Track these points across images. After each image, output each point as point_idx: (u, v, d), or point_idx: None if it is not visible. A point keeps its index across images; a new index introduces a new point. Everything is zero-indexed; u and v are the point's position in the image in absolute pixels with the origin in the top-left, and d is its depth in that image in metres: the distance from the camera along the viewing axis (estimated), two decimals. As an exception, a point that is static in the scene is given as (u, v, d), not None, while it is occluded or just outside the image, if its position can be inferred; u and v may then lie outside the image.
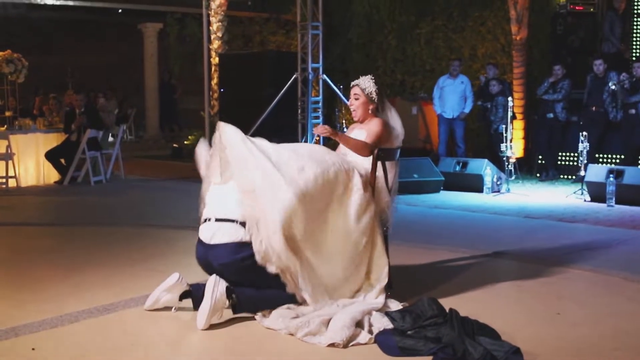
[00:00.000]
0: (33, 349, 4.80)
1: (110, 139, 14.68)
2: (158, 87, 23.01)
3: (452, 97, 14.17)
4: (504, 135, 12.52)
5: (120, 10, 22.84)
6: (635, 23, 14.00)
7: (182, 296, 5.54)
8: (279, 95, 14.44)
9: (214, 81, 17.78)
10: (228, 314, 5.31)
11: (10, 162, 12.89)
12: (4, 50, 14.16)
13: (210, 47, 17.89)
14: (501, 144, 12.56)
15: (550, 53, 14.83)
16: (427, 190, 12.03)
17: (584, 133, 11.75)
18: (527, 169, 13.78)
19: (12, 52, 14.10)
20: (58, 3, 20.50)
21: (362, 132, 5.98)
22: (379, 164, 5.81)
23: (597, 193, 11.00)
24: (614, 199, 10.66)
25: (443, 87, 14.26)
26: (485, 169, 12.06)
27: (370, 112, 6.07)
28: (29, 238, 8.82)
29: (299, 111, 14.79)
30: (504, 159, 12.53)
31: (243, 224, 5.31)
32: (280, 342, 4.99)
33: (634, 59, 13.37)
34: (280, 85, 14.70)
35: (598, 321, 5.43)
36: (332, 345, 4.84)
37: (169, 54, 22.25)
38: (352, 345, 4.88)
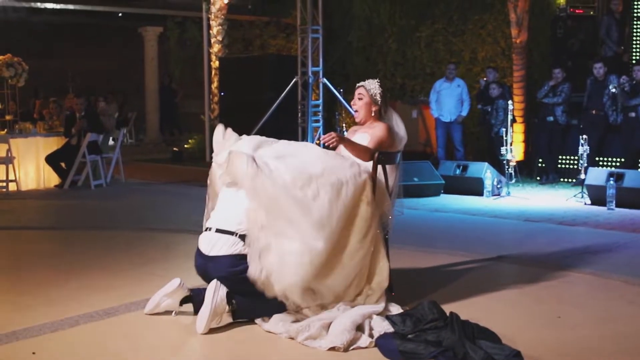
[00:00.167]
0: (34, 353, 4.80)
1: (111, 142, 14.68)
2: (158, 91, 23.01)
3: (449, 100, 14.20)
4: (504, 138, 12.52)
5: (120, 14, 22.84)
6: (635, 26, 14.00)
7: (183, 301, 5.54)
8: (279, 98, 14.46)
9: (214, 85, 17.82)
10: (227, 318, 5.30)
11: (10, 165, 12.90)
12: (4, 54, 14.16)
13: (211, 50, 17.93)
14: (501, 148, 12.55)
15: (550, 56, 14.83)
16: (427, 193, 12.03)
17: (584, 136, 11.75)
18: (528, 172, 13.77)
19: (13, 56, 14.09)
20: (58, 7, 20.52)
21: (366, 135, 5.95)
22: (380, 167, 5.80)
23: (597, 196, 11.00)
24: (614, 202, 10.66)
25: (440, 91, 14.29)
26: (486, 172, 12.05)
27: (373, 114, 6.05)
28: (30, 242, 8.82)
29: (299, 115, 14.82)
30: (504, 162, 12.52)
31: (242, 237, 5.31)
32: (280, 346, 4.99)
33: (633, 61, 13.37)
34: (280, 88, 14.73)
35: (598, 324, 5.43)
36: (332, 349, 4.85)
37: (169, 58, 22.27)
38: (353, 349, 4.88)
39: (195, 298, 5.51)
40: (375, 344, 4.92)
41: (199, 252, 5.50)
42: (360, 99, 6.09)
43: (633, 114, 12.31)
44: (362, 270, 5.50)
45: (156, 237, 8.88)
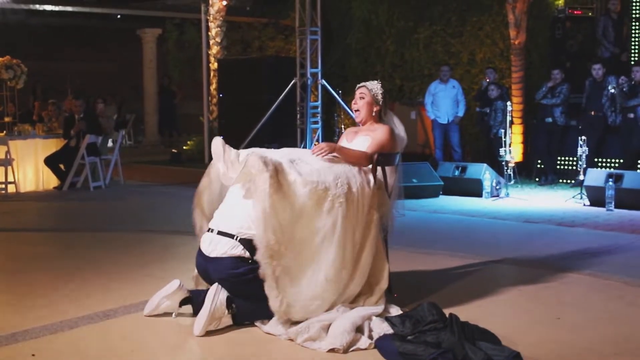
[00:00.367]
0: (33, 355, 4.80)
1: (109, 144, 14.67)
2: (157, 93, 23.01)
3: (445, 102, 14.24)
4: (503, 139, 12.52)
5: (119, 16, 22.83)
6: (634, 27, 14.02)
7: (182, 302, 5.54)
8: (278, 100, 14.46)
9: (213, 86, 17.82)
10: (226, 320, 5.30)
11: (9, 167, 12.90)
12: (3, 56, 14.16)
13: (209, 52, 17.94)
14: (500, 149, 12.56)
15: (548, 57, 14.84)
16: (426, 195, 12.03)
17: (583, 137, 11.76)
18: (526, 173, 13.76)
19: (12, 58, 14.10)
20: (57, 9, 20.51)
21: (367, 138, 5.92)
22: (379, 168, 5.79)
23: (596, 197, 11.00)
24: (613, 203, 10.66)
25: (435, 93, 14.32)
26: (484, 173, 12.05)
27: (373, 114, 6.04)
28: (29, 244, 8.82)
29: (298, 116, 14.82)
30: (503, 163, 12.53)
31: (242, 241, 5.30)
32: (280, 348, 4.99)
33: (632, 62, 13.38)
34: (279, 90, 14.72)
35: (598, 326, 5.43)
36: (332, 350, 4.84)
37: (168, 60, 22.27)
38: (352, 350, 4.88)
39: (194, 299, 5.51)
40: (374, 346, 4.92)
41: (200, 252, 5.51)
42: (361, 98, 6.05)
43: (632, 115, 12.32)
44: (364, 267, 5.50)
45: (155, 238, 8.88)
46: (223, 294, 5.24)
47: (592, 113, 12.90)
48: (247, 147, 5.95)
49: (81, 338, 5.18)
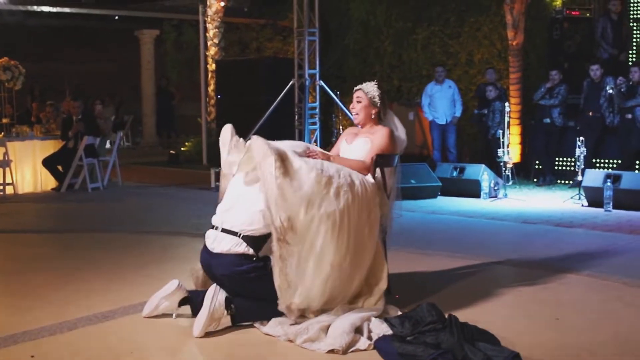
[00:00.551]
0: (32, 356, 4.80)
1: (107, 145, 14.66)
2: (155, 94, 22.99)
3: (442, 102, 14.25)
4: (501, 140, 12.53)
5: (117, 17, 22.82)
6: (635, 28, 14.05)
7: (181, 303, 5.55)
8: (276, 101, 14.45)
9: (211, 87, 17.82)
10: (225, 321, 5.30)
11: (7, 169, 12.90)
12: (1, 57, 14.16)
13: (207, 53, 17.93)
14: (498, 150, 12.56)
15: (546, 58, 14.83)
16: (424, 195, 12.03)
17: (581, 138, 11.76)
18: (524, 174, 13.77)
19: (10, 59, 14.09)
20: (55, 10, 20.50)
21: (367, 140, 5.92)
22: (377, 170, 5.79)
23: (594, 198, 11.00)
24: (611, 203, 10.67)
25: (432, 94, 14.33)
26: (483, 174, 12.06)
27: (372, 116, 6.03)
28: (27, 245, 8.82)
29: (296, 117, 14.80)
30: (501, 164, 12.53)
31: (246, 238, 5.31)
32: (279, 349, 4.99)
33: (630, 63, 13.39)
34: (276, 91, 14.70)
35: (597, 326, 5.44)
36: (331, 351, 4.85)
37: (165, 61, 22.25)
38: (352, 351, 4.88)
39: (193, 300, 5.51)
40: (374, 347, 4.92)
41: (204, 247, 5.53)
42: (358, 102, 6.05)
43: (629, 116, 12.32)
44: (364, 267, 5.51)
45: (153, 239, 8.89)
46: (222, 295, 5.25)
47: (590, 114, 12.90)
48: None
49: (80, 339, 5.18)
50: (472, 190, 12.12)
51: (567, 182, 13.14)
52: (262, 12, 20.03)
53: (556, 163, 13.59)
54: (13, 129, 14.16)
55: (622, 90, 12.37)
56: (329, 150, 6.21)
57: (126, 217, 10.89)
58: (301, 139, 14.56)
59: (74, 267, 7.35)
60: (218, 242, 5.39)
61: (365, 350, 4.90)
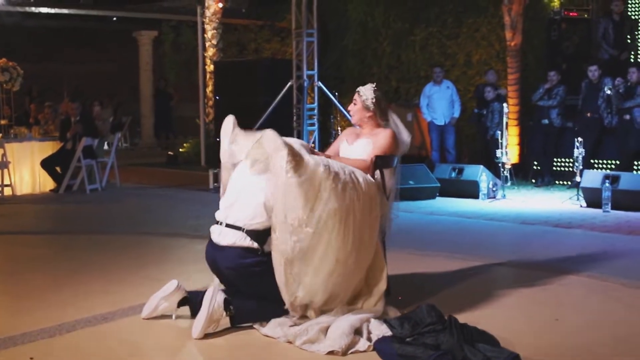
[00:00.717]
0: (31, 358, 4.79)
1: (105, 147, 14.65)
2: (154, 95, 22.98)
3: (441, 103, 14.25)
4: (500, 141, 12.53)
5: (115, 19, 22.82)
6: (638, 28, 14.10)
7: (180, 303, 5.54)
8: (274, 102, 14.46)
9: (209, 88, 17.81)
10: (225, 322, 5.29)
11: (5, 170, 12.88)
12: (0, 58, 14.15)
13: (205, 54, 17.93)
14: (497, 150, 12.57)
15: (544, 59, 14.83)
16: (422, 196, 12.03)
17: (580, 139, 11.76)
18: (523, 175, 13.77)
19: (8, 60, 14.08)
20: (53, 11, 20.49)
21: (369, 141, 5.91)
22: (377, 171, 5.79)
23: (592, 199, 11.00)
24: (609, 204, 10.66)
25: (430, 95, 14.33)
26: (481, 175, 12.06)
27: (367, 119, 6.00)
28: (25, 246, 8.80)
29: (294, 118, 14.80)
30: (500, 165, 12.54)
31: (250, 233, 5.32)
32: (279, 350, 4.99)
33: (632, 60, 13.40)
34: (275, 92, 14.71)
35: (596, 327, 5.44)
36: (331, 352, 4.85)
37: (164, 62, 22.24)
38: (351, 352, 4.88)
39: (192, 300, 5.51)
40: (373, 348, 4.92)
41: (209, 242, 5.54)
42: (354, 104, 6.06)
43: (628, 116, 12.33)
44: (363, 267, 5.51)
45: (152, 241, 8.88)
46: (220, 296, 5.24)
47: (588, 114, 12.90)
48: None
49: (79, 341, 5.18)
50: (470, 191, 12.11)
51: (565, 182, 13.14)
52: (260, 13, 20.03)
53: (554, 164, 13.59)
54: (11, 130, 14.16)
55: (621, 91, 12.38)
56: (324, 151, 6.20)
57: (125, 219, 10.88)
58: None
59: (73, 269, 7.35)
60: (223, 236, 5.40)
61: (364, 351, 4.90)
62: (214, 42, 17.92)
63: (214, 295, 5.21)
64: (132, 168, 17.08)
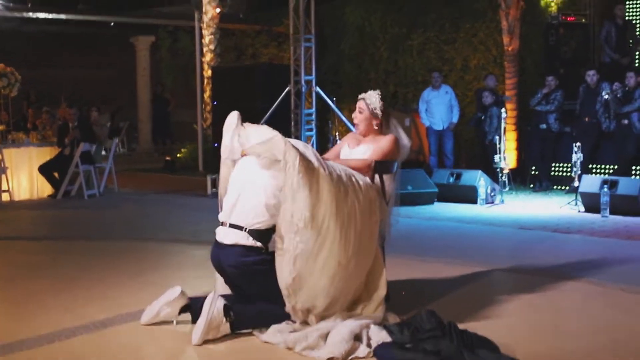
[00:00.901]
0: (30, 365, 4.79)
1: (103, 152, 14.64)
2: (151, 100, 22.97)
3: (439, 108, 14.24)
4: (498, 146, 12.53)
5: (112, 24, 22.82)
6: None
7: (182, 310, 5.53)
8: (272, 107, 14.45)
9: (207, 94, 17.82)
10: (226, 329, 5.27)
11: (3, 176, 12.87)
12: (-1, 63, 14.16)
13: (203, 59, 17.93)
14: (495, 155, 12.56)
15: (542, 64, 14.85)
16: (421, 201, 12.03)
17: (578, 144, 11.76)
18: (521, 180, 13.76)
19: (5, 66, 14.07)
20: (51, 17, 20.49)
21: (370, 147, 5.90)
22: (376, 176, 5.78)
23: (591, 204, 11.00)
24: (608, 209, 10.66)
25: (429, 100, 14.32)
26: (479, 180, 12.05)
27: (375, 127, 6.00)
28: (23, 252, 8.79)
29: (292, 123, 14.81)
30: (498, 170, 12.53)
31: (252, 233, 5.32)
32: (278, 357, 4.98)
33: (637, 64, 13.41)
34: (272, 97, 14.72)
35: (596, 333, 5.43)
36: (331, 359, 4.84)
37: (161, 67, 22.24)
38: (351, 359, 4.88)
39: (193, 306, 5.51)
40: (373, 354, 4.92)
41: (214, 243, 5.55)
42: (360, 112, 6.01)
43: (626, 121, 12.34)
44: (362, 271, 5.50)
45: (150, 246, 8.87)
46: (220, 302, 5.23)
47: (586, 119, 12.91)
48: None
49: (78, 347, 5.17)
50: (468, 196, 12.11)
51: (563, 187, 13.13)
52: (257, 18, 20.04)
53: (552, 169, 13.59)
54: (9, 136, 14.14)
55: (618, 95, 12.39)
56: (322, 155, 6.18)
57: (123, 224, 10.87)
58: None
59: (71, 274, 7.34)
60: (226, 236, 5.41)
61: (364, 357, 4.90)
62: (212, 47, 17.92)
63: (214, 302, 5.20)
64: (130, 173, 17.08)
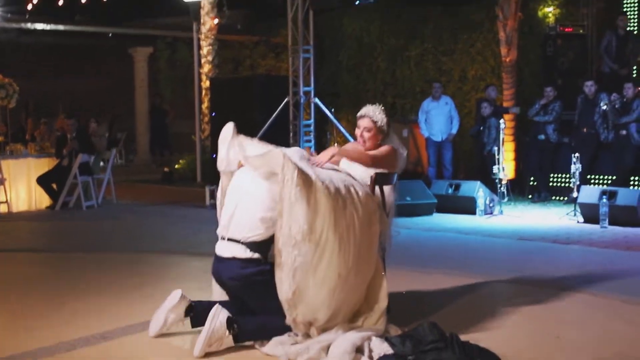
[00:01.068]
0: (31, 378, 4.77)
1: (101, 163, 14.63)
2: (149, 112, 22.96)
3: (438, 119, 14.24)
4: (496, 157, 12.53)
5: (110, 35, 22.83)
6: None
7: (187, 311, 5.54)
8: (271, 119, 14.46)
9: (205, 105, 17.80)
10: (228, 342, 5.25)
11: (1, 187, 12.85)
12: (-3, 75, 14.15)
13: (201, 71, 17.93)
14: (493, 166, 12.57)
15: (540, 75, 14.87)
16: (419, 212, 12.02)
17: (577, 154, 11.76)
18: (519, 190, 13.76)
19: (4, 77, 14.06)
20: (48, 28, 20.50)
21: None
22: (377, 187, 5.78)
23: (590, 214, 11.00)
24: (607, 220, 10.66)
25: (428, 110, 14.32)
26: (478, 191, 12.05)
27: (379, 140, 6.00)
28: (22, 264, 8.78)
29: (291, 134, 14.81)
30: (496, 180, 12.53)
31: (249, 245, 5.31)
32: (280, 369, 4.97)
33: (634, 75, 13.42)
34: (270, 108, 14.72)
35: (597, 345, 5.42)
36: (332, 371, 4.82)
37: (159, 78, 22.23)
38: (353, 371, 4.86)
39: (196, 309, 5.53)
40: (375, 366, 4.90)
41: (215, 255, 5.54)
42: (368, 131, 5.95)
43: (624, 132, 12.35)
44: (363, 283, 5.49)
45: (149, 258, 8.85)
46: (223, 315, 5.21)
47: (585, 130, 12.92)
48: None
49: (80, 360, 5.16)
50: (467, 207, 12.11)
51: (561, 198, 13.13)
52: (254, 29, 20.06)
53: (551, 179, 13.60)
54: (7, 147, 14.12)
55: (617, 106, 12.40)
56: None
57: (122, 236, 10.86)
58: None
59: (70, 287, 7.32)
60: (224, 249, 5.41)
61: (366, 369, 4.89)
62: (210, 58, 17.91)
63: (217, 314, 5.18)
64: (128, 184, 17.07)
